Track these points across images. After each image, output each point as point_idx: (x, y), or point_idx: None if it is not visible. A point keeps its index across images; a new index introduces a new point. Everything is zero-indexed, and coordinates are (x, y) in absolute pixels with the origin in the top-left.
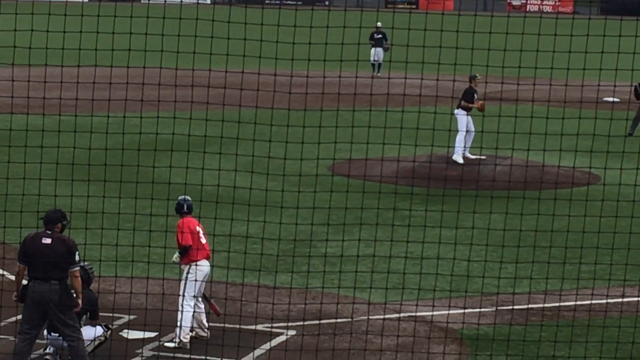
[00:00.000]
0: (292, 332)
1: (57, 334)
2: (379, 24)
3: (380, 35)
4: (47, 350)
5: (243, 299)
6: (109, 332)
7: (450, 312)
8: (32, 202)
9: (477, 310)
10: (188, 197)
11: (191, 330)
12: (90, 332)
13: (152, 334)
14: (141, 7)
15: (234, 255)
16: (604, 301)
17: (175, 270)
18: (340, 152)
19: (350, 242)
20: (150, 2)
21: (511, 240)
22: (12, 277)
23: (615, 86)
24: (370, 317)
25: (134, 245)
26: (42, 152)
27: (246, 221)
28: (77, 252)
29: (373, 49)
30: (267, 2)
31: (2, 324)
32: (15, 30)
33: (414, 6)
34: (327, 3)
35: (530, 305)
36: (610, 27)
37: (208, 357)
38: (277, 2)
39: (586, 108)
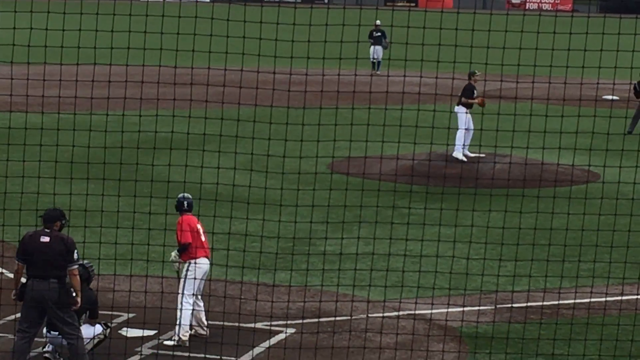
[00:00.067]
0: (291, 330)
1: (56, 332)
2: (378, 22)
3: (379, 33)
4: (46, 349)
5: (242, 297)
6: (108, 330)
7: (450, 310)
8: (31, 200)
9: (476, 308)
10: (188, 195)
11: (190, 329)
12: (89, 331)
13: (151, 332)
14: (140, 5)
15: (233, 253)
16: (603, 299)
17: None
18: (339, 150)
19: (349, 240)
20: (149, 0)
21: (510, 238)
22: (11, 275)
23: (614, 84)
24: (370, 315)
25: (133, 243)
26: (41, 150)
27: (245, 219)
28: (75, 251)
29: (372, 47)
30: (265, 0)
31: (1, 322)
32: (14, 28)
33: (413, 4)
34: (326, 1)
35: (529, 303)
36: (609, 25)
37: (207, 355)
38: (276, 0)
39: (585, 106)
